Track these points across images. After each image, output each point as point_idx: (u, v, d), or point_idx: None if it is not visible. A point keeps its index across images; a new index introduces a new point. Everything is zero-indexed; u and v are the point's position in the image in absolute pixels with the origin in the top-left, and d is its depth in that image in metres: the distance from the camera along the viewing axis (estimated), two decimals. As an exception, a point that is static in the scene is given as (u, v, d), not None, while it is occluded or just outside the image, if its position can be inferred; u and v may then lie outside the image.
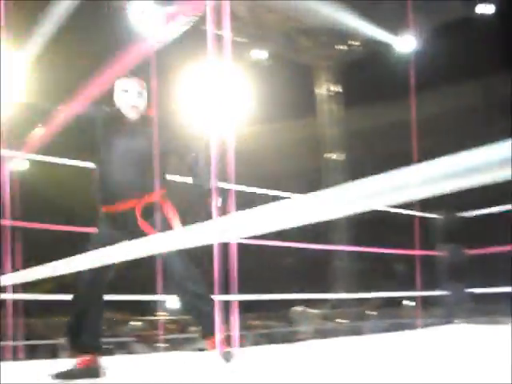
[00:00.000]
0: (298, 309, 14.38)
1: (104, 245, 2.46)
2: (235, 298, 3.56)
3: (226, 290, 3.74)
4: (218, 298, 3.58)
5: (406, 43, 14.06)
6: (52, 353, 10.35)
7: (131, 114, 3.08)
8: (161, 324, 13.60)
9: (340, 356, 3.97)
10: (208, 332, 3.09)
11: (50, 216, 8.30)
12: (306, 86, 16.91)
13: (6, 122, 3.45)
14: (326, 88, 16.07)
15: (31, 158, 4.50)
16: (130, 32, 11.71)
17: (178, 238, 1.46)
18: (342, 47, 15.56)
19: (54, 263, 1.97)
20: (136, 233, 2.81)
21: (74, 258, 1.84)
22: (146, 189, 3.05)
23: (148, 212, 3.03)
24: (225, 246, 3.37)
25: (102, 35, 14.02)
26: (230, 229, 1.23)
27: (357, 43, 15.25)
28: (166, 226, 2.97)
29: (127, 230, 2.99)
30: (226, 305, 3.97)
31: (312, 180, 16.21)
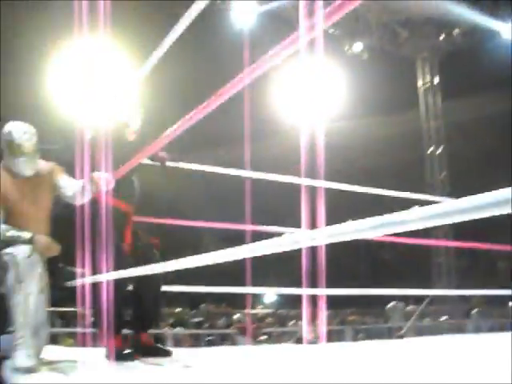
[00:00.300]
0: (395, 305, 14.13)
1: None
2: (323, 292, 3.59)
3: (314, 284, 3.78)
4: (306, 291, 3.63)
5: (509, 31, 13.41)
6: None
7: None
8: (261, 317, 13.83)
9: (434, 354, 3.91)
10: None
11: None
12: (406, 79, 16.56)
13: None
14: (426, 80, 15.64)
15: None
16: (236, 33, 11.92)
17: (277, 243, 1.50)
18: (443, 37, 15.07)
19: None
20: None
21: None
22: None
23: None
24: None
25: (211, 41, 14.38)
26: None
27: (459, 32, 14.72)
28: None
29: None
30: (314, 299, 4.02)
31: (413, 174, 15.89)
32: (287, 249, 1.48)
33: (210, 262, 1.87)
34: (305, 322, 4.37)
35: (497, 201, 0.94)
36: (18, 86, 12.45)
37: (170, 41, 2.41)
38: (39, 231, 3.32)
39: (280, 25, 11.80)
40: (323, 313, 4.15)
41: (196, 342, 10.70)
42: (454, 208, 1.03)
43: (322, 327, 4.58)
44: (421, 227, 1.13)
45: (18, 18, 12.55)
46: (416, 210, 1.12)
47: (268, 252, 1.60)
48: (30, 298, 3.00)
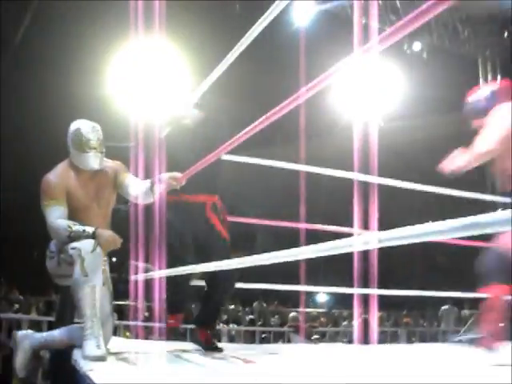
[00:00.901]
0: (448, 308, 13.90)
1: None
2: (374, 292, 3.58)
3: (366, 284, 3.77)
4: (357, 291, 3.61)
5: None
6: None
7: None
8: (315, 316, 13.80)
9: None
10: None
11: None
12: (467, 79, 16.18)
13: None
14: (488, 79, 15.24)
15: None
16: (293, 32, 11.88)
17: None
18: (506, 35, 14.66)
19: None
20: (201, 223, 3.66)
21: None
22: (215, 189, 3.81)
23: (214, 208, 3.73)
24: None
25: (268, 41, 14.41)
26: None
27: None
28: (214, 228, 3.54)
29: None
30: (366, 300, 4.01)
31: (472, 174, 15.50)
32: (351, 250, 1.49)
33: (275, 261, 1.90)
34: (356, 323, 4.35)
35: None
36: (82, 87, 12.75)
37: (244, 43, 2.46)
38: (101, 226, 3.42)
39: (338, 24, 11.74)
40: (375, 313, 4.12)
41: (251, 338, 10.77)
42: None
43: (374, 328, 4.55)
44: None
45: (81, 21, 12.91)
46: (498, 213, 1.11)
47: (334, 252, 1.62)
48: (96, 290, 3.09)
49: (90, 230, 3.27)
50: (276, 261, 1.92)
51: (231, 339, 10.43)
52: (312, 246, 1.72)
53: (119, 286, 3.64)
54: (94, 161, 3.49)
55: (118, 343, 3.72)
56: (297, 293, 6.71)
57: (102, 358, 2.99)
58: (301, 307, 13.76)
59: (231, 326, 11.66)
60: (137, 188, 3.55)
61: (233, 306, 14.50)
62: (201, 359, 3.31)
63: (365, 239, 1.49)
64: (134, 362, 3.07)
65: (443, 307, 14.40)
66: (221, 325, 12.11)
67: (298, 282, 4.71)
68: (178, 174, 3.34)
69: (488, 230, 1.12)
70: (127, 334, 8.79)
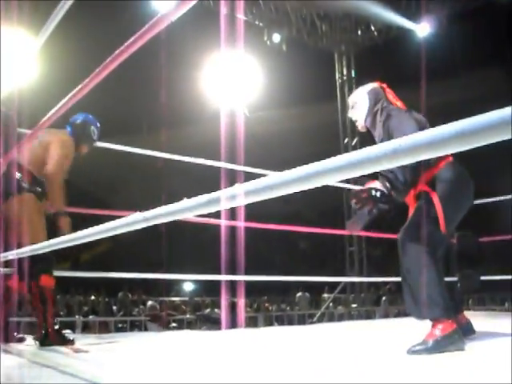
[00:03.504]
0: (301, 294, 14.75)
1: None
2: (242, 278, 3.64)
3: (232, 272, 3.82)
4: (224, 278, 3.65)
5: (423, 29, 13.98)
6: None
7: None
8: (176, 305, 13.79)
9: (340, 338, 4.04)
10: None
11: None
12: (324, 72, 16.86)
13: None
14: (343, 73, 16.01)
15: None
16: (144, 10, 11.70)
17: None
18: (360, 33, 15.49)
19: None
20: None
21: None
22: None
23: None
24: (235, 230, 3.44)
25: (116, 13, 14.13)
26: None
27: (375, 29, 15.17)
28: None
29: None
30: (232, 287, 4.08)
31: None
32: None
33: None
34: (223, 309, 4.40)
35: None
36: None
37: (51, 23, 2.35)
38: None
39: (202, 13, 11.73)
40: (242, 300, 4.20)
41: (106, 329, 10.52)
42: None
43: (241, 313, 4.64)
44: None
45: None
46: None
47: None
48: None
49: None
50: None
51: (84, 330, 10.16)
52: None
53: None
54: None
55: None
56: (163, 282, 6.68)
57: None
58: (162, 297, 13.72)
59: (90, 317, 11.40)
60: None
61: (93, 297, 14.15)
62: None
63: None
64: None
65: (297, 294, 15.22)
66: (76, 316, 11.78)
67: (164, 271, 4.67)
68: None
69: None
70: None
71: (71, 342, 3.44)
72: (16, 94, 3.30)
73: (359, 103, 3.52)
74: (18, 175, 3.63)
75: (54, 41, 2.41)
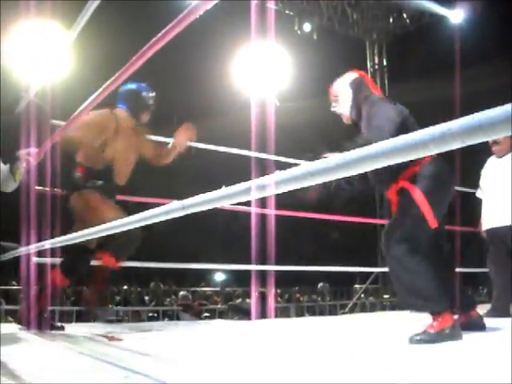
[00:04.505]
0: (323, 285, 14.80)
1: None
2: (271, 268, 3.65)
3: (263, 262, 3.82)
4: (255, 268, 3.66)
5: (457, 16, 13.71)
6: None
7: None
8: (208, 295, 13.89)
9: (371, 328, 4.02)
10: None
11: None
12: (355, 61, 16.70)
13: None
14: (374, 61, 15.83)
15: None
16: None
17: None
18: (391, 21, 15.28)
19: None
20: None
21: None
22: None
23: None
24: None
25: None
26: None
27: (407, 16, 14.95)
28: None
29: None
30: (263, 278, 4.09)
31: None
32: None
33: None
34: (253, 299, 4.43)
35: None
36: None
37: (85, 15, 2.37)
38: None
39: (231, 3, 11.70)
40: (272, 290, 4.20)
41: (138, 318, 10.65)
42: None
43: (271, 304, 4.65)
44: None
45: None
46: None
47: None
48: None
49: None
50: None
51: (119, 320, 10.31)
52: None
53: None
54: None
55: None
56: (195, 272, 6.72)
57: None
58: (193, 287, 13.82)
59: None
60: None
61: (126, 287, 14.32)
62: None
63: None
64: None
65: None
66: (109, 306, 11.94)
67: (196, 262, 4.70)
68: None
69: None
70: (9, 318, 8.46)
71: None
72: (49, 85, 3.34)
73: (342, 96, 3.48)
74: (77, 174, 3.62)
75: (86, 33, 2.44)
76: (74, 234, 2.30)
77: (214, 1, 1.59)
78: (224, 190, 1.35)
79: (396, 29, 15.39)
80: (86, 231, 2.17)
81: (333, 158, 1.06)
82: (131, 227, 1.87)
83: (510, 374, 1.71)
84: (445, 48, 11.02)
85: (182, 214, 1.51)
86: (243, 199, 1.33)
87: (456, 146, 0.92)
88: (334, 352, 2.67)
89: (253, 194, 1.28)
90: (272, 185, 1.17)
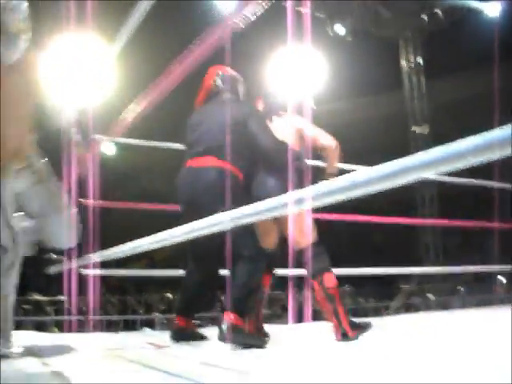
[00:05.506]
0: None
1: None
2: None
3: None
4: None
5: (493, 9, 13.44)
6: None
7: None
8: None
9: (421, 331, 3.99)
10: None
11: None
12: (389, 60, 16.59)
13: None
14: (409, 60, 15.68)
15: (123, 141, 4.72)
16: (209, 13, 11.84)
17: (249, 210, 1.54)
18: (425, 17, 15.08)
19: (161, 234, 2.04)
20: None
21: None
22: None
23: None
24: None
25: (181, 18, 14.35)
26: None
27: (441, 10, 14.72)
28: None
29: None
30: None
31: (398, 155, 15.92)
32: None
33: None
34: (290, 303, 4.46)
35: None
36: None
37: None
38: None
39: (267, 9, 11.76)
40: (309, 294, 4.20)
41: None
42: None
43: (308, 308, 4.68)
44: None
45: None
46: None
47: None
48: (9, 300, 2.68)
49: None
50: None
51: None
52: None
53: (38, 281, 3.46)
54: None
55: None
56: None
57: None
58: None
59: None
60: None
61: (169, 295, 14.46)
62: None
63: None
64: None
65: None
66: (154, 314, 12.11)
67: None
68: None
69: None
70: (55, 329, 8.62)
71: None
72: (91, 101, 3.43)
73: None
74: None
75: (128, 47, 2.48)
76: (122, 247, 2.33)
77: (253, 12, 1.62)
78: (271, 202, 1.38)
79: (430, 26, 15.20)
80: (137, 242, 2.18)
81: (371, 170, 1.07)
82: (181, 239, 1.90)
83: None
84: (482, 43, 10.84)
85: (230, 225, 1.58)
86: (283, 212, 1.35)
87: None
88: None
89: (290, 208, 1.31)
90: (309, 198, 1.19)
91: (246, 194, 3.15)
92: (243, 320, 3.04)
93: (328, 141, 3.50)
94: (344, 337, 3.17)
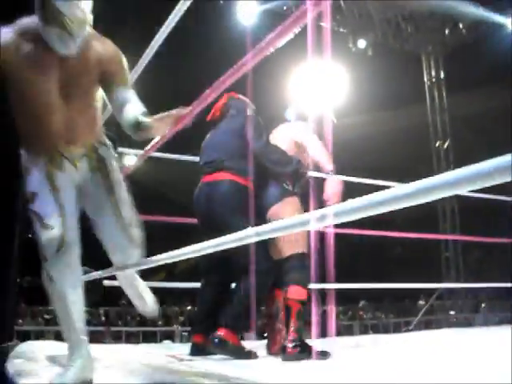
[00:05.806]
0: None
1: None
2: (332, 286, 3.65)
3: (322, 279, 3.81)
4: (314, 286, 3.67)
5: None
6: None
7: None
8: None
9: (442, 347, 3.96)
10: None
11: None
12: (411, 74, 16.56)
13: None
14: (432, 75, 15.64)
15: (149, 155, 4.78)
16: (239, 32, 11.95)
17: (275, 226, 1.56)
18: (447, 31, 15.05)
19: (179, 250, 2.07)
20: None
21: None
22: None
23: None
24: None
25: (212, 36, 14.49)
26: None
27: (463, 25, 14.68)
28: None
29: None
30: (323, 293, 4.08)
31: (420, 168, 15.89)
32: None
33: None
34: (314, 318, 4.43)
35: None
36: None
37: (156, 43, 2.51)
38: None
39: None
40: (333, 308, 4.19)
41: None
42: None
43: (332, 322, 4.64)
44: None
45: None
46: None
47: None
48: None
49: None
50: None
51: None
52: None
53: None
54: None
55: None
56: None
57: None
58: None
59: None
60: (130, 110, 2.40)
61: (189, 307, 14.50)
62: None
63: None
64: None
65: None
66: (174, 326, 12.13)
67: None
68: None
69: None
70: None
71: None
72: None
73: None
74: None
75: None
76: (159, 256, 2.32)
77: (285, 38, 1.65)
78: (297, 218, 1.41)
79: (452, 40, 15.15)
80: (170, 253, 2.16)
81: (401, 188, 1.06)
82: (204, 253, 1.93)
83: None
84: (504, 57, 10.79)
85: (255, 239, 1.62)
86: (306, 229, 1.38)
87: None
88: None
89: (312, 225, 1.33)
90: (331, 216, 1.21)
91: (257, 205, 3.22)
92: (235, 334, 3.15)
93: (326, 165, 3.49)
94: (282, 351, 3.15)
